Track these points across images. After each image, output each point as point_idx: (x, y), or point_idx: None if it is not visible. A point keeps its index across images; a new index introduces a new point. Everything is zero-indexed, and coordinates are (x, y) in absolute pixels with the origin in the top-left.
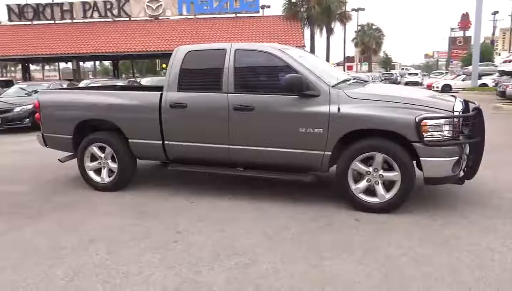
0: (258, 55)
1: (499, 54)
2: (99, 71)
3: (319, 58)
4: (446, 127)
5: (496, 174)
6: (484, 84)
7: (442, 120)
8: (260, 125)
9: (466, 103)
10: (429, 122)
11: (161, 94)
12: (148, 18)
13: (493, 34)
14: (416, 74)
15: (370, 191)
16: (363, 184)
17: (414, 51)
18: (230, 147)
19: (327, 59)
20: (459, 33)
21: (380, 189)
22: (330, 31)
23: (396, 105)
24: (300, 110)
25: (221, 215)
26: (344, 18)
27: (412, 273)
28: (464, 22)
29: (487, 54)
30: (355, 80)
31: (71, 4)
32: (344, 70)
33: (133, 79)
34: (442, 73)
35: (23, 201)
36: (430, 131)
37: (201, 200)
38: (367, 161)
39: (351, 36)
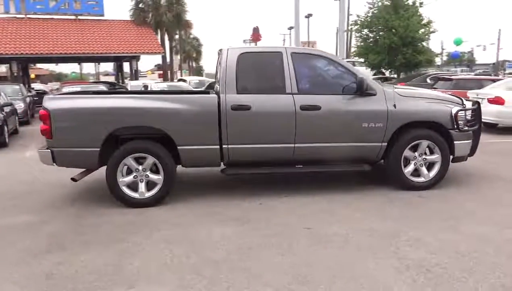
0: (313, 58)
1: None
2: None
3: None
4: (465, 117)
5: None
6: None
7: (464, 112)
8: (327, 123)
9: None
10: (460, 113)
11: (218, 96)
12: None
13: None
14: None
15: (413, 173)
16: (411, 167)
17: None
18: (296, 145)
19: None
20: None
21: (424, 170)
22: (171, 39)
23: (435, 101)
24: (363, 108)
25: (311, 209)
26: (187, 26)
27: None
28: (255, 34)
29: None
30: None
31: None
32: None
33: None
34: None
35: (56, 229)
36: (459, 121)
37: (263, 201)
38: (412, 148)
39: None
